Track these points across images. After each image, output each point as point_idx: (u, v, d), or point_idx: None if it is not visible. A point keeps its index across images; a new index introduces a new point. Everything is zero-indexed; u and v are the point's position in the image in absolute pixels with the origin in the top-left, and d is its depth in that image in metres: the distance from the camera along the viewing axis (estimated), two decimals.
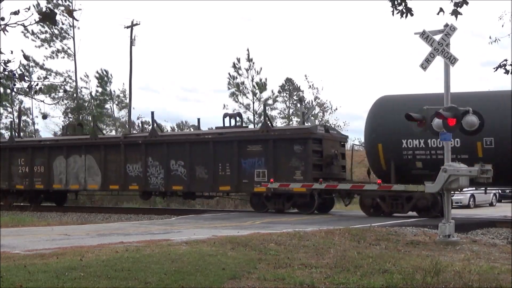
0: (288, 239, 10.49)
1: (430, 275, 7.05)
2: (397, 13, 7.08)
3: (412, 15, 7.08)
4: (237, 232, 11.59)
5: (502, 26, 12.71)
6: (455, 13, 7.13)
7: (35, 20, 4.51)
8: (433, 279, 6.96)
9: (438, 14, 7.13)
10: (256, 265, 7.88)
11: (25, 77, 4.98)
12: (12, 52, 4.79)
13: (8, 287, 6.40)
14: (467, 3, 7.11)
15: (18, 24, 4.60)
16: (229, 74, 38.84)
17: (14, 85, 5.10)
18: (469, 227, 14.13)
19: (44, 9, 4.45)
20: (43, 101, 6.42)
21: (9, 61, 4.73)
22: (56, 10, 4.83)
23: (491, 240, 12.13)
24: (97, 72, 42.29)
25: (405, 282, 6.89)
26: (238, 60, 38.52)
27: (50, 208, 23.18)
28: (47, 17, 4.46)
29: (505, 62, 10.04)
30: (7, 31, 4.54)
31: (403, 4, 7.05)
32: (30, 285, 6.48)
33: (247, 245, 9.60)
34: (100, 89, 42.43)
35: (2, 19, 4.50)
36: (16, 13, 4.53)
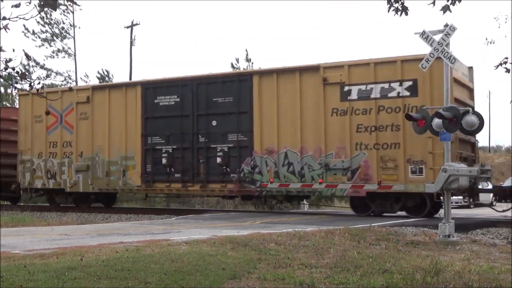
0: (288, 239, 10.49)
1: (430, 275, 7.06)
2: (393, 10, 7.10)
3: (407, 14, 7.10)
4: (237, 232, 11.59)
5: (499, 27, 12.76)
6: (445, 8, 7.13)
7: (35, 6, 4.50)
8: (433, 279, 6.96)
9: (429, 4, 7.14)
10: (256, 265, 7.89)
11: (26, 76, 4.98)
12: (14, 50, 4.79)
13: (8, 287, 6.40)
14: (459, 0, 7.12)
15: (20, 18, 4.60)
16: None
17: (17, 82, 5.10)
18: (469, 227, 14.13)
19: None
20: (45, 97, 6.42)
21: (10, 59, 4.73)
22: (56, 10, 4.82)
23: (491, 240, 12.13)
24: (98, 72, 42.36)
25: (405, 282, 6.90)
26: (237, 60, 38.51)
27: (50, 208, 23.18)
28: (47, 3, 4.48)
29: (505, 60, 10.05)
30: (9, 29, 4.54)
31: (400, 2, 7.07)
32: (30, 285, 6.48)
33: (247, 245, 9.60)
34: None
35: (3, 18, 4.50)
36: (17, 6, 4.53)
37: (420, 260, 8.56)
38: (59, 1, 37.25)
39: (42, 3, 4.48)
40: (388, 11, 7.14)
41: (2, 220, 16.19)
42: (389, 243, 10.71)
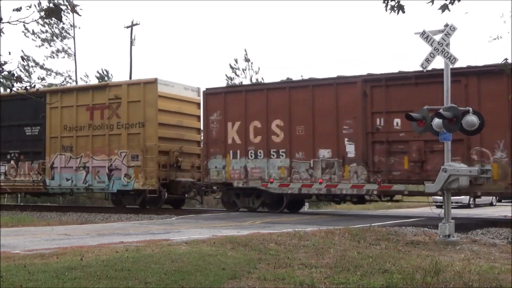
0: (288, 239, 10.49)
1: (430, 275, 7.05)
2: (389, 8, 7.09)
3: (403, 12, 7.09)
4: (237, 232, 11.59)
5: (505, 22, 12.41)
6: (444, 8, 7.12)
7: (40, 16, 4.50)
8: (433, 279, 6.96)
9: (428, 2, 7.13)
10: (256, 265, 7.88)
11: (22, 79, 4.99)
12: (10, 53, 4.80)
13: (8, 287, 6.40)
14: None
15: (20, 22, 4.61)
16: (226, 75, 38.77)
17: (13, 85, 5.10)
18: (469, 227, 14.13)
19: (48, 6, 4.45)
20: (42, 99, 6.43)
21: (5, 62, 4.74)
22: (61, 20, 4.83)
23: (491, 240, 12.13)
24: (98, 72, 42.34)
25: (405, 282, 6.89)
26: (236, 61, 38.47)
27: (50, 208, 23.20)
28: (52, 13, 4.46)
29: (505, 62, 10.05)
30: (3, 33, 4.55)
31: (395, 0, 7.06)
32: (30, 285, 6.48)
33: (247, 245, 9.60)
34: None
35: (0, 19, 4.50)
36: (18, 9, 4.53)
37: (420, 260, 8.56)
38: (59, 1, 37.31)
39: (47, 13, 4.46)
40: (386, 9, 7.13)
41: (2, 220, 16.19)
42: (389, 243, 10.71)
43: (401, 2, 7.11)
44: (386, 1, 7.09)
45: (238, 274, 7.27)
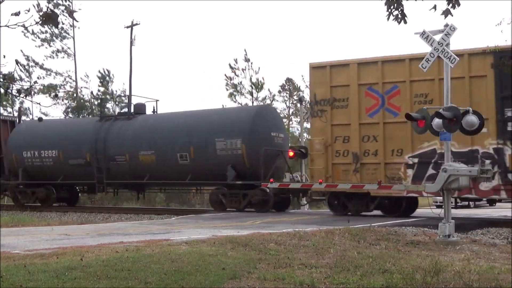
0: (288, 239, 10.49)
1: (430, 275, 7.05)
2: (393, 19, 7.11)
3: (405, 22, 7.10)
4: (237, 232, 11.59)
5: (502, 31, 12.36)
6: (446, 12, 7.12)
7: (35, 21, 4.51)
8: (433, 279, 6.96)
9: (430, 10, 7.14)
10: (256, 265, 7.88)
11: (15, 80, 4.99)
12: (4, 56, 4.81)
13: (8, 287, 6.40)
14: (459, 4, 7.10)
15: (19, 25, 4.61)
16: (225, 75, 38.77)
17: (7, 87, 5.11)
18: (469, 227, 14.13)
19: (45, 9, 4.45)
20: (39, 103, 6.42)
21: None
22: (56, 10, 4.85)
23: (491, 240, 12.13)
24: (99, 71, 42.41)
25: (405, 282, 6.89)
26: (236, 60, 38.50)
27: (50, 208, 23.18)
28: (49, 19, 4.47)
29: (503, 60, 10.04)
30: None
31: (399, 9, 7.06)
32: (30, 285, 6.47)
33: (247, 245, 9.60)
34: (102, 89, 42.48)
35: None
36: (16, 14, 4.53)
37: (420, 260, 8.56)
38: (58, 1, 37.24)
39: (43, 18, 4.45)
40: (388, 19, 7.14)
41: (2, 220, 16.20)
42: (389, 243, 10.71)
43: (404, 11, 7.11)
44: (389, 10, 7.09)
45: (238, 274, 7.27)
